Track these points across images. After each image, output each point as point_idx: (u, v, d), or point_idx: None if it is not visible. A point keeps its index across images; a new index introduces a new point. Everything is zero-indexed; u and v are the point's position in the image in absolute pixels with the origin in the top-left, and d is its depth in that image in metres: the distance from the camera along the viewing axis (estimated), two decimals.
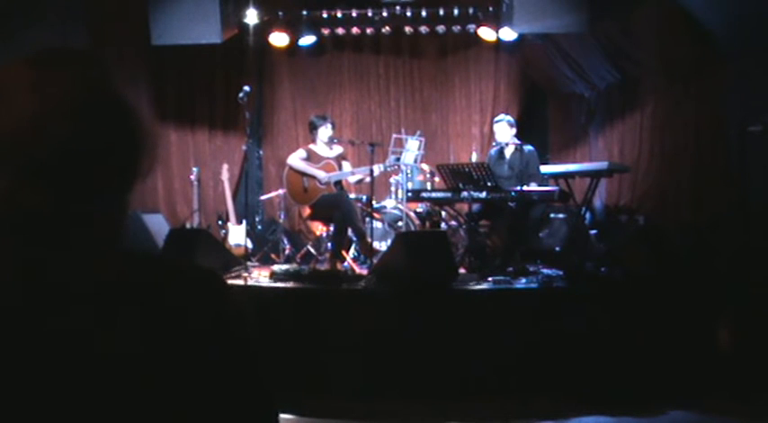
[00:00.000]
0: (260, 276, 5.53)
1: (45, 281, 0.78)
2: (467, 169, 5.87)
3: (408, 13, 7.41)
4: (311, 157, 6.52)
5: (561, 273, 5.46)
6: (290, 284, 5.14)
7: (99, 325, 0.77)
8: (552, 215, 6.93)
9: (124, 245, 0.86)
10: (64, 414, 0.75)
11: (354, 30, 7.73)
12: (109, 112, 0.83)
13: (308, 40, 7.72)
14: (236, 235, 6.86)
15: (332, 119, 6.75)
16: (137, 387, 0.76)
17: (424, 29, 7.69)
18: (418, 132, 7.21)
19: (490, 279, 5.21)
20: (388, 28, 7.68)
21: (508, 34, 7.04)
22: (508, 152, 6.40)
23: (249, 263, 6.40)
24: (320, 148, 6.58)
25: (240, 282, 5.27)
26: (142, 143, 0.85)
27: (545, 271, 5.74)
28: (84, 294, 0.78)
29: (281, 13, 7.51)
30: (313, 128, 6.61)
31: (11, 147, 0.78)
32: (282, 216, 7.36)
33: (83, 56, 0.85)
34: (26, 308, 0.76)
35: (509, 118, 6.53)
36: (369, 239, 5.97)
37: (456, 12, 7.38)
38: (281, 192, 7.04)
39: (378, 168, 6.23)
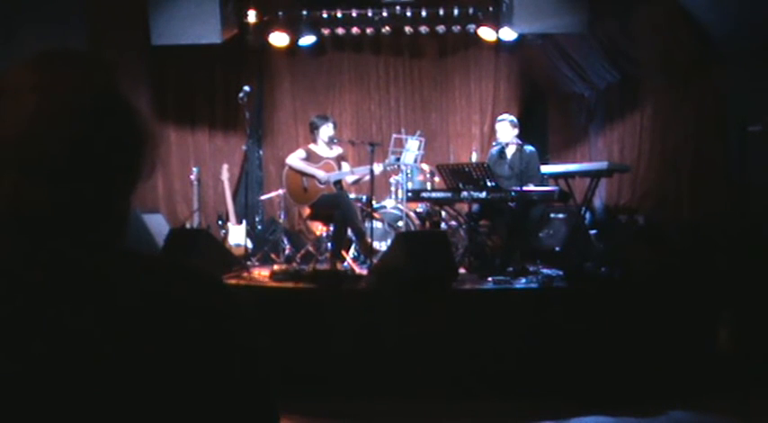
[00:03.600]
0: (260, 276, 5.53)
1: (47, 279, 0.78)
2: (467, 169, 5.87)
3: (408, 13, 7.42)
4: (311, 157, 6.52)
5: (561, 273, 5.46)
6: (290, 284, 5.14)
7: (99, 325, 0.77)
8: (552, 215, 6.94)
9: (124, 245, 0.86)
10: (62, 414, 0.75)
11: (354, 30, 7.73)
12: (113, 113, 0.84)
13: (308, 40, 7.72)
14: (236, 235, 6.86)
15: (333, 119, 6.75)
16: (137, 389, 0.76)
17: (424, 29, 7.69)
18: (418, 132, 7.21)
19: (490, 279, 5.21)
20: (388, 28, 7.68)
21: (508, 34, 7.04)
22: (509, 152, 6.40)
23: (249, 263, 6.41)
24: (320, 148, 6.59)
25: (240, 282, 5.27)
26: (145, 144, 0.86)
27: (545, 271, 5.74)
28: (86, 294, 0.78)
29: (281, 13, 7.51)
30: (314, 128, 6.61)
31: (17, 147, 0.79)
32: (282, 216, 7.36)
33: (87, 57, 0.85)
34: (27, 306, 0.77)
35: (512, 118, 6.51)
36: (369, 239, 5.97)
37: (456, 12, 7.39)
38: (281, 192, 7.05)
39: (378, 168, 6.23)
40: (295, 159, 6.51)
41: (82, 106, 0.81)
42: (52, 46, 0.86)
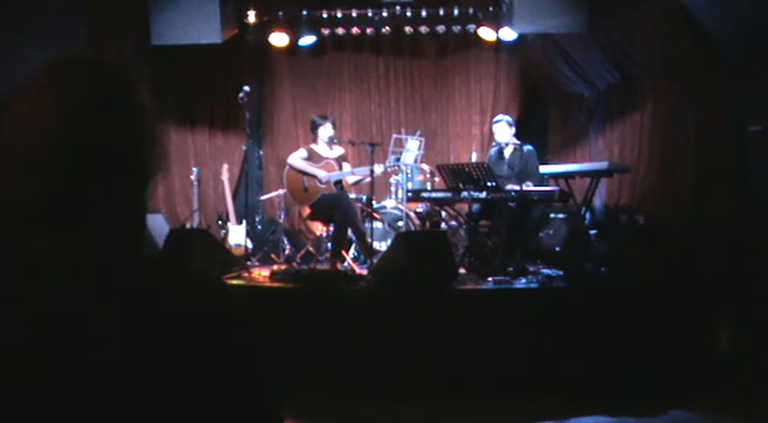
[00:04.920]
0: (260, 276, 5.53)
1: (53, 277, 0.78)
2: (467, 169, 5.87)
3: (408, 13, 7.42)
4: (312, 157, 6.52)
5: (561, 273, 5.46)
6: (290, 284, 5.14)
7: (99, 325, 0.77)
8: (552, 215, 6.93)
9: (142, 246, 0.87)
10: (61, 414, 0.75)
11: (354, 30, 7.73)
12: (123, 113, 0.85)
13: (308, 40, 7.72)
14: (236, 235, 6.86)
15: (333, 118, 6.75)
16: (139, 388, 0.76)
17: (424, 29, 7.69)
18: (418, 132, 7.22)
19: (490, 279, 5.21)
20: (388, 28, 7.68)
21: (508, 34, 7.03)
22: (507, 152, 6.41)
23: (249, 263, 6.41)
24: (321, 148, 6.59)
25: (240, 282, 5.27)
26: (154, 142, 0.88)
27: (545, 271, 5.74)
28: (86, 293, 0.78)
29: (281, 13, 7.51)
30: (314, 127, 6.62)
31: (36, 146, 0.80)
32: (282, 216, 7.36)
33: (97, 62, 0.88)
34: (27, 303, 0.77)
35: (508, 118, 6.53)
36: (369, 239, 5.97)
37: (456, 12, 7.39)
38: (281, 192, 7.05)
39: (378, 169, 6.23)
40: (296, 159, 6.51)
41: (95, 106, 0.83)
42: (62, 53, 0.88)
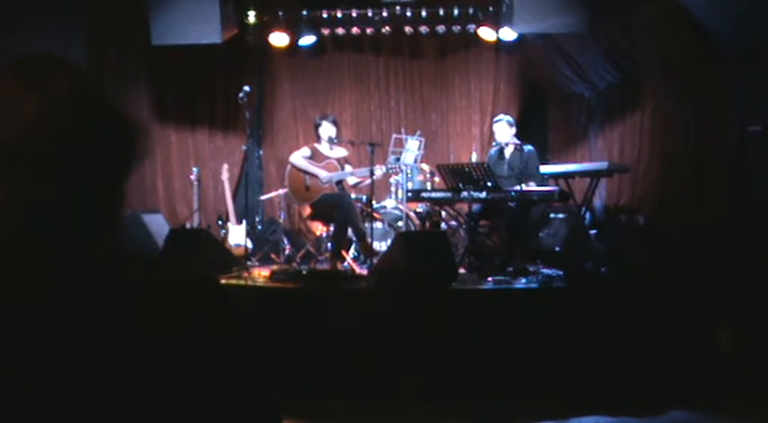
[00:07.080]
0: (260, 276, 5.53)
1: (45, 276, 0.78)
2: (467, 169, 5.87)
3: (408, 13, 7.42)
4: (315, 156, 6.52)
5: (561, 273, 5.46)
6: (289, 284, 5.14)
7: (97, 325, 0.77)
8: (552, 215, 6.94)
9: (122, 245, 0.86)
10: (59, 413, 0.75)
11: (354, 30, 7.73)
12: (99, 110, 0.85)
13: (308, 40, 7.73)
14: (236, 235, 6.86)
15: (334, 117, 6.75)
16: (136, 389, 0.76)
17: (424, 29, 7.69)
18: (418, 132, 7.22)
19: (490, 279, 5.21)
20: (388, 28, 7.68)
21: (508, 34, 7.04)
22: (508, 152, 6.41)
23: (249, 263, 6.41)
24: (324, 147, 6.59)
25: (240, 282, 5.27)
26: (131, 135, 0.87)
27: (545, 271, 5.74)
28: (83, 293, 0.78)
29: (281, 13, 7.51)
30: (316, 126, 6.63)
31: (18, 147, 0.79)
32: (282, 216, 7.36)
33: (62, 61, 0.87)
34: (21, 303, 0.77)
35: (508, 118, 6.53)
36: (369, 239, 5.97)
37: (456, 12, 7.39)
38: (281, 191, 7.05)
39: (379, 170, 6.22)
40: (298, 158, 6.51)
41: (73, 105, 0.83)
42: (50, 46, 0.88)
